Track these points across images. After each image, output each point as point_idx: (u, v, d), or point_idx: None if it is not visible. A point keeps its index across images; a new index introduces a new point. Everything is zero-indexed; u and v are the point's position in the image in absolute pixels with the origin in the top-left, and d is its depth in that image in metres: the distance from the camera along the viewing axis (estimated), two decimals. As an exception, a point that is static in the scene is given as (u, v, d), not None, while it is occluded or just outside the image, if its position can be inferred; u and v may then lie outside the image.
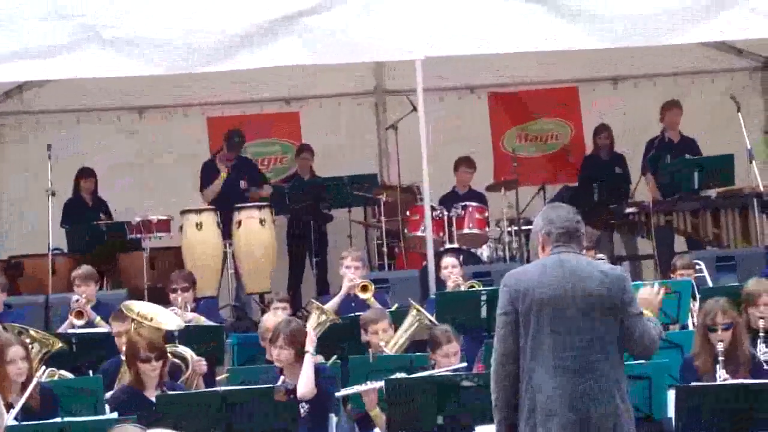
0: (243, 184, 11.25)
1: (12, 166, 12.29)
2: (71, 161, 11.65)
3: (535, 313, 4.91)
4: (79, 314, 8.58)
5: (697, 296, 8.06)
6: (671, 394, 6.24)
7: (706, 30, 8.81)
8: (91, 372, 7.55)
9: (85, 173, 11.51)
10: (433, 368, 6.81)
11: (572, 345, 4.88)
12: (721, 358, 6.47)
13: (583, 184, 11.64)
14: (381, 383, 6.40)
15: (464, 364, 6.89)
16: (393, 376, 6.48)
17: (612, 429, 4.85)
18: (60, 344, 7.59)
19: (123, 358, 7.11)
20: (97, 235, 10.90)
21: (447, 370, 6.63)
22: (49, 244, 10.35)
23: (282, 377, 6.65)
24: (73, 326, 8.50)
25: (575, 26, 8.63)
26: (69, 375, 7.33)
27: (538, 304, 4.90)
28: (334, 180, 11.26)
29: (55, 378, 7.13)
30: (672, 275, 8.65)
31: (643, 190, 11.23)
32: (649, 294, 5.39)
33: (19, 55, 8.52)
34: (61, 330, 8.40)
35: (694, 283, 8.28)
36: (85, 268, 9.07)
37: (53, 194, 10.46)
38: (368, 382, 6.60)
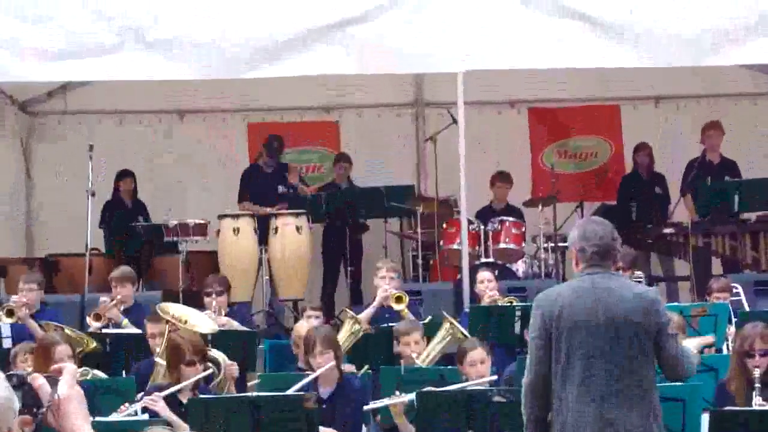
0: (281, 189, 11.29)
1: (53, 166, 12.39)
2: (112, 162, 11.75)
3: (566, 337, 4.88)
4: (97, 317, 8.58)
5: (733, 320, 7.98)
6: (705, 418, 6.18)
7: (749, 52, 8.74)
8: (124, 373, 7.58)
9: (125, 175, 11.59)
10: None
11: (604, 370, 4.86)
12: (757, 385, 6.39)
13: (622, 202, 11.57)
14: (411, 396, 6.39)
15: (494, 377, 6.86)
16: (424, 389, 6.46)
17: None
18: (94, 344, 7.65)
19: (156, 359, 7.14)
20: (134, 236, 10.97)
21: (477, 383, 6.61)
22: (86, 243, 10.41)
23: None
24: (105, 327, 8.54)
25: (618, 44, 8.58)
26: (102, 375, 7.36)
27: (569, 329, 4.88)
28: (371, 190, 11.27)
29: (88, 377, 7.16)
30: (708, 298, 8.58)
31: (681, 210, 11.15)
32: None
33: (62, 55, 8.57)
34: (92, 330, 8.44)
35: (731, 307, 8.21)
36: (122, 269, 9.09)
37: (93, 194, 10.52)
38: (398, 393, 6.58)
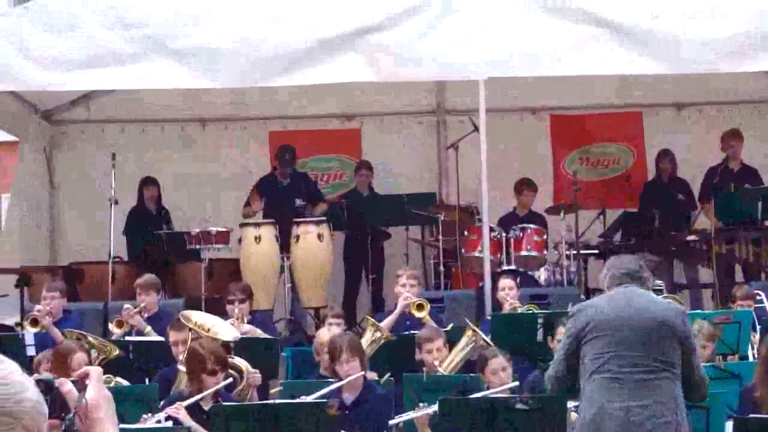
0: (298, 202, 11.29)
1: (76, 174, 12.46)
2: (135, 170, 11.80)
3: (596, 334, 5.35)
4: (119, 324, 8.62)
5: (758, 327, 7.95)
6: (729, 425, 6.15)
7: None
8: (147, 380, 7.60)
9: (149, 182, 11.65)
10: (487, 390, 6.77)
11: (631, 363, 5.27)
12: (782, 392, 6.37)
13: (644, 209, 11.52)
14: (434, 407, 6.36)
15: (516, 384, 6.85)
16: (447, 397, 6.44)
17: None
18: (117, 351, 7.67)
19: (179, 366, 7.15)
20: (156, 244, 11.01)
21: (499, 390, 6.59)
22: (110, 251, 10.46)
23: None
24: (127, 334, 8.57)
25: (640, 51, 8.57)
26: (125, 382, 7.39)
27: (599, 327, 5.35)
28: (392, 197, 11.26)
29: (111, 385, 7.18)
30: (731, 305, 8.54)
31: (704, 217, 11.11)
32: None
33: (85, 64, 8.61)
34: (114, 338, 8.47)
35: (755, 314, 8.17)
36: (147, 277, 9.12)
37: (116, 202, 10.57)
38: (421, 405, 6.56)
